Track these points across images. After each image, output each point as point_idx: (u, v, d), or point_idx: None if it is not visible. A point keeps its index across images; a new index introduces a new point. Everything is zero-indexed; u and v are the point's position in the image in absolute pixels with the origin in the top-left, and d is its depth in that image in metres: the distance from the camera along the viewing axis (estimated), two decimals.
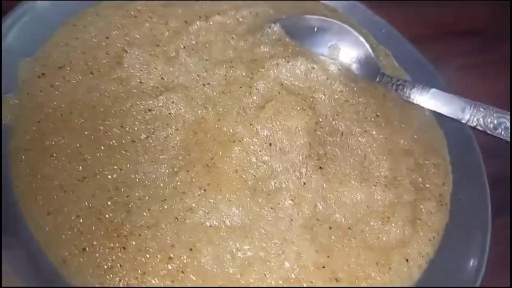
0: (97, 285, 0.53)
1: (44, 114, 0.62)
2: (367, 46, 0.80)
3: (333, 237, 0.61)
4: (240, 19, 0.78)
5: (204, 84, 0.70)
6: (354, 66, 0.80)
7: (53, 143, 0.59)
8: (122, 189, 0.59)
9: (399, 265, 0.62)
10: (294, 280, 0.57)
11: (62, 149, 0.59)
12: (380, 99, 0.75)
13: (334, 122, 0.71)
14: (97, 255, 0.54)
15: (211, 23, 0.76)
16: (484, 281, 0.60)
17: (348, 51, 0.80)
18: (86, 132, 0.61)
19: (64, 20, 0.71)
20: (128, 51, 0.69)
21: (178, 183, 0.61)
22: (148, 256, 0.55)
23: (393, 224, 0.64)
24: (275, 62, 0.73)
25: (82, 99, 0.64)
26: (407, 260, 0.63)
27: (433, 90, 0.75)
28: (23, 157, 0.58)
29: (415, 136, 0.73)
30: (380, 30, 0.86)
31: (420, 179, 0.70)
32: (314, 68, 0.73)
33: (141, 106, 0.66)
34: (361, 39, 0.80)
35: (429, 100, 0.75)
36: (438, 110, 0.74)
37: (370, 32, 0.86)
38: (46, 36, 0.68)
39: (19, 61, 0.65)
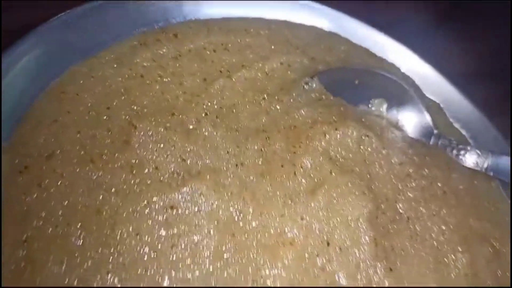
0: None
1: (32, 230, 0.45)
2: (418, 101, 0.67)
3: None
4: (270, 73, 0.63)
5: (237, 165, 0.55)
6: (402, 125, 0.67)
7: (45, 278, 0.43)
8: None
9: None
10: None
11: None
12: (444, 169, 0.63)
13: (397, 205, 0.58)
14: None
15: (235, 79, 0.61)
16: None
17: (395, 106, 0.67)
18: (91, 254, 0.45)
19: (47, 84, 0.53)
20: (137, 126, 0.53)
21: None
22: None
23: None
24: (321, 131, 0.58)
25: (82, 201, 0.47)
26: None
27: (503, 157, 0.64)
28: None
29: (487, 215, 0.61)
30: (427, 77, 0.73)
31: (499, 272, 0.57)
32: (368, 136, 0.60)
33: (161, 203, 0.50)
34: (411, 92, 0.67)
35: (499, 168, 0.63)
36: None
37: (417, 81, 0.73)
38: (24, 110, 0.51)
39: None
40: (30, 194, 0.46)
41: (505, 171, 0.64)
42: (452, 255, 0.56)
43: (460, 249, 0.56)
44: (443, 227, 0.58)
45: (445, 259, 0.55)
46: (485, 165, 0.64)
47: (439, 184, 0.61)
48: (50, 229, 0.45)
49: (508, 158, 0.63)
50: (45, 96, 0.52)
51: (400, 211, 0.58)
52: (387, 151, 0.60)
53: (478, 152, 0.64)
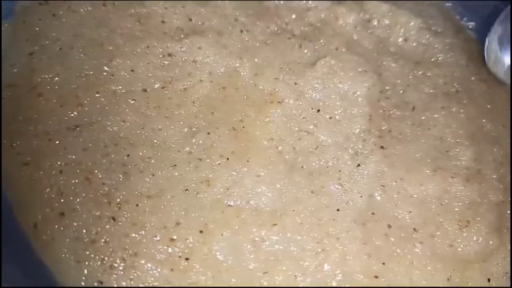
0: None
1: (39, 46, 0.49)
2: None
3: (392, 239, 0.46)
4: None
5: (242, 31, 0.55)
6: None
7: (43, 80, 0.47)
8: (123, 147, 0.46)
9: (478, 285, 0.46)
10: None
11: (54, 89, 0.47)
12: (463, 69, 0.58)
13: (404, 93, 0.55)
14: (77, 223, 0.41)
15: None
16: None
17: None
18: (86, 72, 0.49)
19: None
20: None
21: (195, 146, 0.47)
22: (143, 233, 0.42)
23: (473, 230, 0.47)
24: (340, 11, 0.58)
25: (88, 34, 0.51)
26: (488, 280, 0.47)
27: None
28: (8, 93, 0.47)
29: (504, 122, 0.56)
30: None
31: (510, 177, 0.52)
32: (387, 23, 0.58)
33: (160, 49, 0.52)
34: None
35: None
36: None
37: None
38: None
39: None
40: (44, 19, 0.51)
41: None
42: (456, 147, 0.52)
43: (466, 143, 0.52)
44: (451, 121, 0.54)
45: (447, 149, 0.52)
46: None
47: (454, 82, 0.57)
48: (56, 48, 0.50)
49: None
50: None
51: (406, 99, 0.55)
52: (409, 46, 0.58)
53: None
